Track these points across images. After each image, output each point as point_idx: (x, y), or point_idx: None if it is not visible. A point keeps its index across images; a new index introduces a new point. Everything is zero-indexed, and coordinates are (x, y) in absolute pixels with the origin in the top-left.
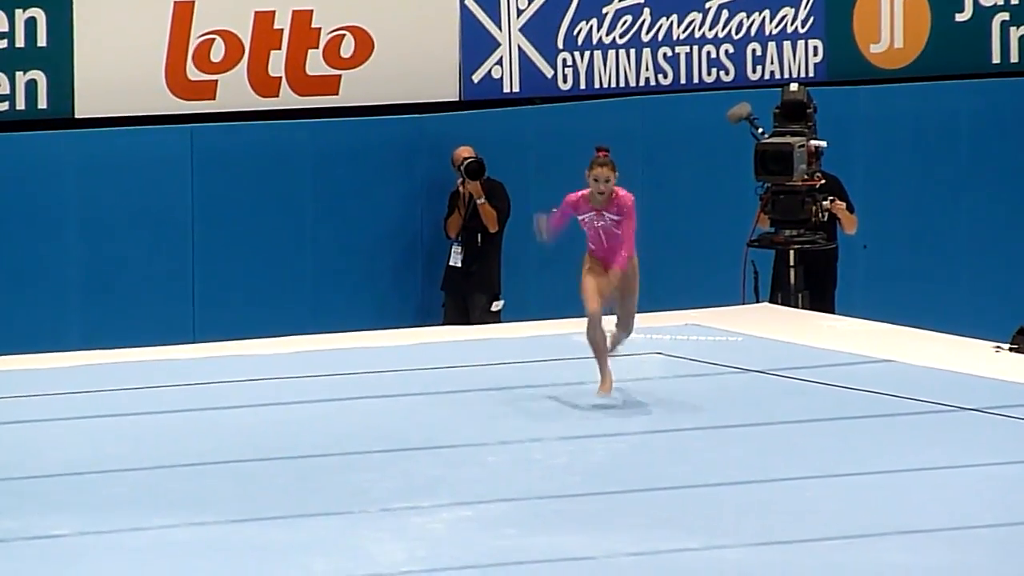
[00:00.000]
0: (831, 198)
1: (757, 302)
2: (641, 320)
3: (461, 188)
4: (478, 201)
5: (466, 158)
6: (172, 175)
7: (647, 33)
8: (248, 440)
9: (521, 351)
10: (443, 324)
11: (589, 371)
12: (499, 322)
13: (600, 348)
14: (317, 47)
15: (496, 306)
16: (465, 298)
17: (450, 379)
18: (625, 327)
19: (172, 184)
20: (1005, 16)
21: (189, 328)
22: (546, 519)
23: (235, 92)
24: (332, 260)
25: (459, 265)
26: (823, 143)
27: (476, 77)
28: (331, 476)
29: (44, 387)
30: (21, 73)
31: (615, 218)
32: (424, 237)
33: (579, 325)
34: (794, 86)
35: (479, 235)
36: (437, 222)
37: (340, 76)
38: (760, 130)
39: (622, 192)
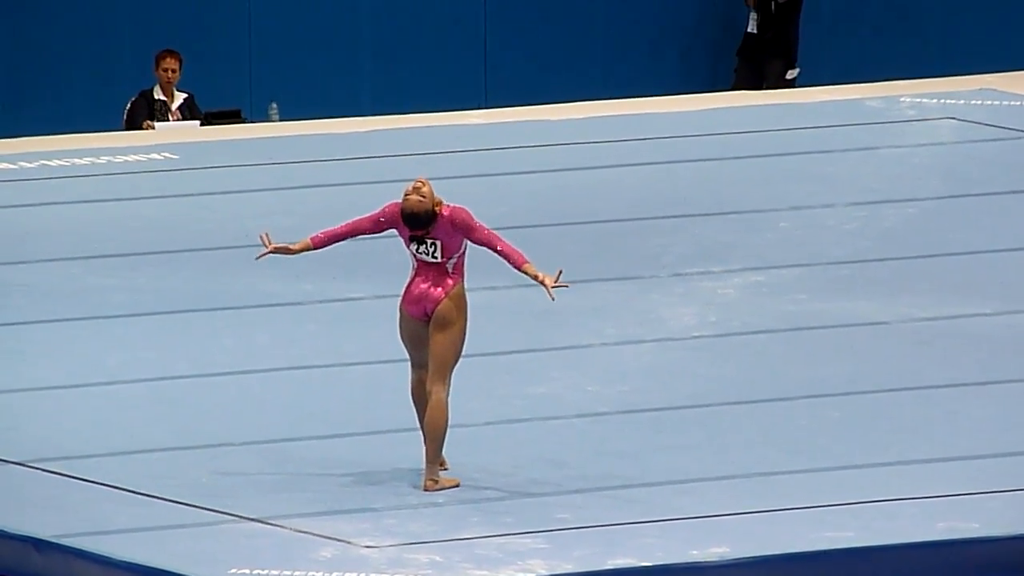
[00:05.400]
0: None
1: None
2: (935, 85)
3: None
4: None
5: None
6: None
7: None
8: (539, 206)
9: (813, 116)
10: (732, 89)
11: (884, 135)
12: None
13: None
14: None
15: (791, 74)
16: (760, 65)
17: (742, 144)
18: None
19: None
20: None
21: (481, 93)
22: (838, 284)
23: None
24: (624, 27)
25: (755, 31)
26: None
27: None
28: (622, 241)
29: (336, 152)
30: None
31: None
32: (720, 3)
33: (873, 91)
34: None
35: (773, 2)
36: None
37: None
38: None
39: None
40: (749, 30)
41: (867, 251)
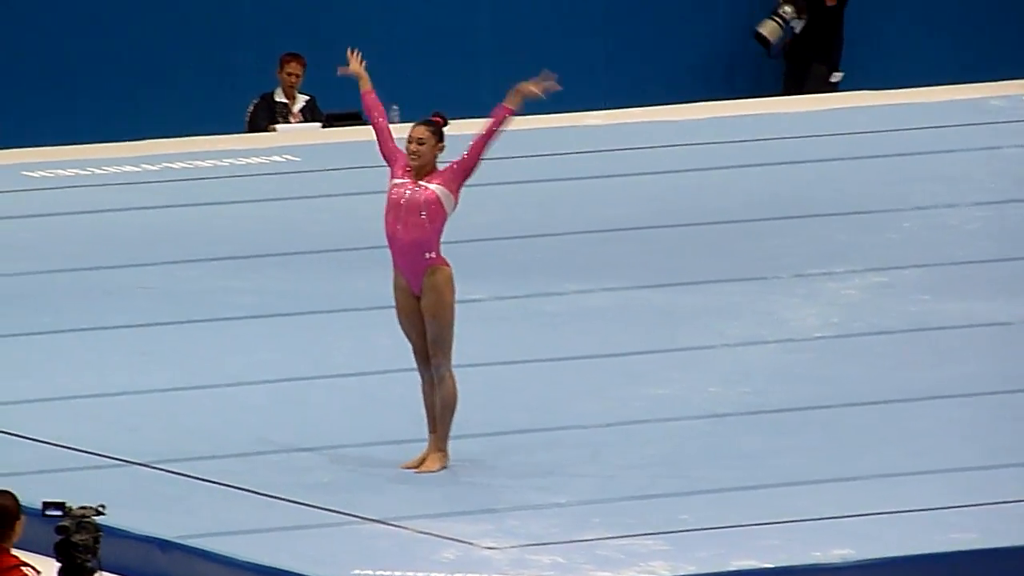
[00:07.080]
0: None
1: None
2: None
3: None
4: None
5: None
6: None
7: None
8: (659, 207)
9: (935, 116)
10: (784, 92)
11: (1008, 135)
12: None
13: (429, 411)
14: None
15: (836, 77)
16: (803, 67)
17: (864, 144)
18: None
19: None
20: None
21: (600, 94)
22: (960, 285)
23: None
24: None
25: (799, 33)
26: None
27: None
28: (743, 242)
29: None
30: None
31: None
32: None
33: (996, 90)
34: None
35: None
36: None
37: None
38: None
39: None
40: (796, 32)
41: (990, 251)
